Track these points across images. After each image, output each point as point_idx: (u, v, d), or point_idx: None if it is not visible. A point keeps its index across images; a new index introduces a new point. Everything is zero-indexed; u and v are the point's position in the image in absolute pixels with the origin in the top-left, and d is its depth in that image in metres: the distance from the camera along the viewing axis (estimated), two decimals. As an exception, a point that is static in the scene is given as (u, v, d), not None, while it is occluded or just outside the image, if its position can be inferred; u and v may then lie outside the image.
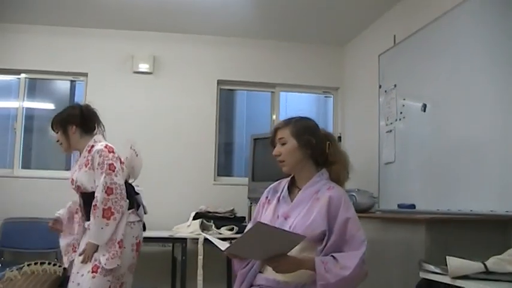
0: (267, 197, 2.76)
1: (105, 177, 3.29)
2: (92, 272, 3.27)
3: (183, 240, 4.76)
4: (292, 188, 2.69)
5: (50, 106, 6.12)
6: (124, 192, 3.36)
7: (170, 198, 4.87)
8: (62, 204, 5.39)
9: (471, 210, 3.24)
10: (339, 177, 2.62)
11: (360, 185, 4.57)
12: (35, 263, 3.30)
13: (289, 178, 2.73)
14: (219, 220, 5.12)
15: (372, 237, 3.55)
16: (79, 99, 5.87)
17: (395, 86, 4.35)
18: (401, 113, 4.19)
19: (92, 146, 3.49)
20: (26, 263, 3.25)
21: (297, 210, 2.53)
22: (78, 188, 3.50)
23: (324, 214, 2.43)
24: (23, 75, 5.76)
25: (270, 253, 2.32)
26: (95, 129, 3.61)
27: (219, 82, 5.99)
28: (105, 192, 3.27)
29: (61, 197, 5.46)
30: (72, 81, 6.03)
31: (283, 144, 2.60)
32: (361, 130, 5.41)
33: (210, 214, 5.18)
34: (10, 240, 5.31)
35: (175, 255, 5.33)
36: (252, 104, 6.58)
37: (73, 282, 3.34)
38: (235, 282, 2.67)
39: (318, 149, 2.61)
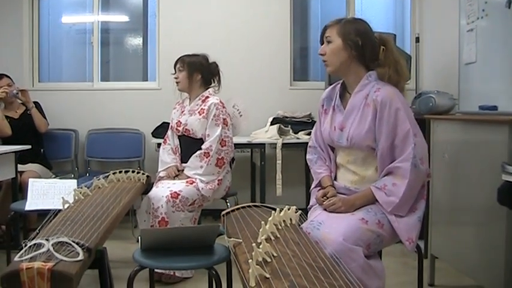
0: (322, 106, 2.74)
1: (221, 129, 3.70)
2: (187, 182, 3.64)
3: (261, 145, 4.89)
4: (344, 93, 2.64)
5: (125, 18, 6.19)
6: (233, 145, 3.86)
7: (247, 105, 4.90)
8: (140, 114, 5.55)
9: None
10: (386, 79, 2.48)
11: (440, 86, 4.47)
12: (120, 171, 3.44)
13: (340, 82, 2.67)
14: (297, 125, 5.22)
15: (452, 139, 3.50)
16: (152, 10, 5.90)
17: (477, -20, 4.12)
18: (483, 10, 3.97)
19: (207, 97, 3.86)
20: (111, 172, 3.39)
21: (350, 119, 2.51)
22: (186, 131, 3.84)
23: (375, 119, 2.41)
24: (96, -12, 5.80)
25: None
26: (211, 83, 3.98)
27: (292, -15, 5.83)
28: (220, 143, 3.71)
29: (140, 107, 5.64)
30: (144, -8, 6.03)
31: (329, 42, 2.57)
32: (440, 30, 5.20)
33: (288, 119, 5.28)
34: (95, 150, 5.56)
35: (254, 161, 5.46)
36: (326, 6, 6.40)
37: (162, 187, 3.54)
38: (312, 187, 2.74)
39: (367, 52, 2.50)
